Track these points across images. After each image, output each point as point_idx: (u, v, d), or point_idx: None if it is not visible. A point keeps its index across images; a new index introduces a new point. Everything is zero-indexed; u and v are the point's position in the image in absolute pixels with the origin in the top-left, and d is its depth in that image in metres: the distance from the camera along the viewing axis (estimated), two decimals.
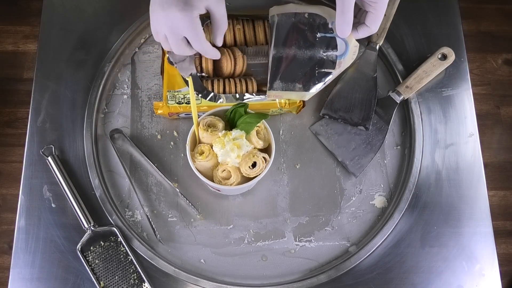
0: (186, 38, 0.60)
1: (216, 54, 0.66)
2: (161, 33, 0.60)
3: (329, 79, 0.70)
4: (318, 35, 0.69)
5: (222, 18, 0.62)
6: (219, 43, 0.65)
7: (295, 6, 0.71)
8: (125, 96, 0.78)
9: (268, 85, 0.70)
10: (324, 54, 0.69)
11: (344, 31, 0.63)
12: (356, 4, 0.63)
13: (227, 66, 0.71)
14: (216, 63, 0.73)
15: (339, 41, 0.69)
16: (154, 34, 0.61)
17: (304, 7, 0.71)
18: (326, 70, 0.69)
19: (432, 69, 0.77)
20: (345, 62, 0.69)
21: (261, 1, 0.75)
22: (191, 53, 0.62)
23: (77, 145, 0.74)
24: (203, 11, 0.59)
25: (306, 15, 0.70)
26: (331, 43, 0.69)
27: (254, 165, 0.62)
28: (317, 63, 0.69)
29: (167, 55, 0.73)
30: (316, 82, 0.69)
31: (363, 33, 0.65)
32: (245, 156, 0.62)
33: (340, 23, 0.63)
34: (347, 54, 0.69)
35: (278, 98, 0.71)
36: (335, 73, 0.70)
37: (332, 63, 0.69)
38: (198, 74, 0.72)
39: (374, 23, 0.64)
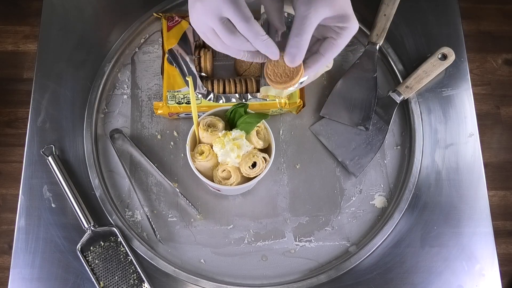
0: (230, 21, 0.49)
1: (268, 46, 0.51)
2: (203, 23, 0.51)
3: (305, 81, 0.68)
4: None
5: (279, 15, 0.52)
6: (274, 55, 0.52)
7: None
8: (125, 96, 0.78)
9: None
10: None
11: (294, 58, 0.51)
12: (313, 35, 0.52)
13: (245, 62, 0.71)
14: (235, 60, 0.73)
15: None
16: (198, 30, 0.53)
17: (285, 6, 0.71)
18: None
19: (432, 69, 0.77)
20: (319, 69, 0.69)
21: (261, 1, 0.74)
22: (242, 44, 0.51)
23: (77, 145, 0.74)
24: None
25: (285, 14, 0.70)
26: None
27: (254, 165, 0.62)
28: None
29: (167, 55, 0.73)
30: None
31: (313, 63, 0.54)
32: (245, 156, 0.62)
33: (291, 46, 0.50)
34: None
35: (264, 95, 0.70)
36: (310, 76, 0.67)
37: None
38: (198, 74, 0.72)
39: (331, 53, 0.53)
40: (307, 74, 0.55)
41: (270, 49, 0.52)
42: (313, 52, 0.55)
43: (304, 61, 0.54)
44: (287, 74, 0.54)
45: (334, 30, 0.53)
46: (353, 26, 0.52)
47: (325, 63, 0.55)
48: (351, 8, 0.53)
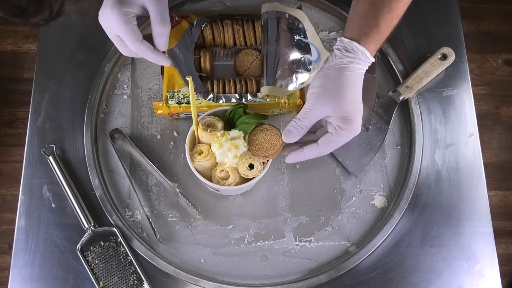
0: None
1: (158, 59, 0.61)
2: (110, 31, 0.60)
3: (305, 81, 0.70)
4: (296, 37, 0.71)
5: (158, 16, 0.58)
6: (161, 47, 0.60)
7: (278, 5, 0.72)
8: (125, 96, 0.78)
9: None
10: (300, 56, 0.71)
11: (289, 137, 0.58)
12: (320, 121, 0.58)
13: (247, 60, 0.73)
14: (238, 58, 0.75)
15: (312, 48, 0.71)
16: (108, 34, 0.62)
17: (285, 7, 0.73)
18: (302, 71, 0.70)
19: (432, 69, 0.77)
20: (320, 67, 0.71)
21: (261, 1, 0.75)
22: (130, 54, 0.61)
23: (77, 145, 0.74)
24: (137, 10, 0.58)
25: (286, 15, 0.71)
26: (305, 48, 0.71)
27: (252, 166, 0.62)
28: (295, 62, 0.70)
29: (167, 55, 0.73)
30: (294, 81, 0.70)
31: (309, 149, 0.59)
32: (243, 156, 0.62)
33: (291, 125, 0.57)
34: (319, 61, 0.71)
35: (265, 95, 0.71)
36: (311, 76, 0.71)
37: (308, 66, 0.70)
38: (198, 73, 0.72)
39: (327, 147, 0.58)
40: (300, 159, 0.60)
41: (160, 62, 0.62)
42: (312, 139, 0.60)
43: (302, 144, 0.60)
44: (267, 149, 0.61)
45: (335, 127, 0.57)
46: (353, 129, 0.57)
47: (319, 154, 0.59)
48: (358, 113, 0.57)
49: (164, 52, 0.65)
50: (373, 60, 0.58)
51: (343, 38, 0.58)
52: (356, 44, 0.56)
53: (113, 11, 0.56)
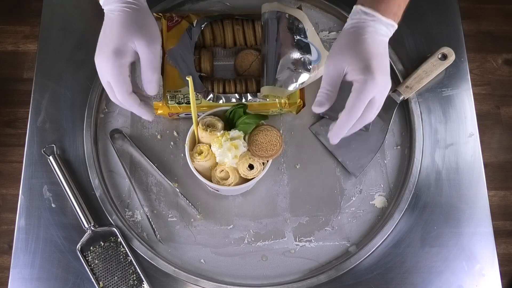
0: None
1: (141, 112, 0.61)
2: (101, 78, 0.61)
3: (306, 81, 0.70)
4: (296, 37, 0.71)
5: (149, 64, 0.59)
6: (150, 92, 0.61)
7: (278, 5, 0.73)
8: None
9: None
10: (300, 56, 0.70)
11: (319, 108, 0.59)
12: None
13: (247, 60, 0.74)
14: (238, 58, 0.75)
15: (312, 48, 0.71)
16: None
17: (285, 7, 0.73)
18: (303, 70, 0.70)
19: (432, 69, 0.77)
20: (320, 70, 0.71)
21: (261, 1, 0.75)
22: (117, 102, 0.61)
23: (77, 145, 0.74)
24: (131, 57, 0.58)
25: (286, 15, 0.71)
26: (305, 48, 0.71)
27: (251, 166, 0.62)
28: (295, 62, 0.70)
29: (167, 55, 0.73)
30: (294, 81, 0.70)
31: (340, 120, 0.58)
32: (242, 156, 0.62)
33: (318, 99, 0.58)
34: (320, 61, 0.71)
35: (265, 95, 0.71)
36: (313, 74, 0.71)
37: (308, 66, 0.70)
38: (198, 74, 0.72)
39: (353, 109, 0.56)
40: (339, 131, 0.59)
41: (143, 115, 0.62)
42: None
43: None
44: (267, 149, 0.62)
45: (356, 81, 0.55)
46: (376, 79, 0.54)
47: (350, 119, 0.57)
48: (379, 62, 0.55)
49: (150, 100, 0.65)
50: (392, 23, 0.57)
51: (359, 6, 0.57)
52: (371, 10, 0.56)
53: (108, 62, 0.57)
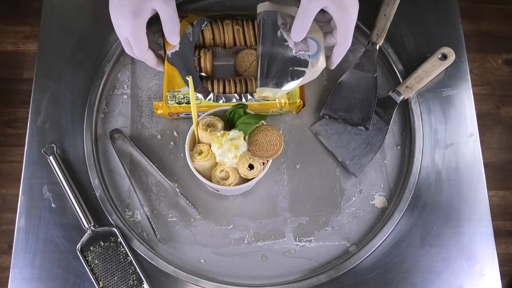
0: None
1: (156, 64, 0.70)
2: (118, 34, 0.66)
3: (303, 78, 0.69)
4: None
5: (168, 19, 0.63)
6: (173, 42, 0.67)
7: (272, 5, 0.71)
8: (125, 96, 0.78)
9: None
10: (296, 52, 0.69)
11: (297, 35, 0.65)
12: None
13: (247, 60, 0.74)
14: (238, 58, 0.75)
15: (310, 41, 0.69)
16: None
17: (279, 6, 0.72)
18: (299, 68, 0.69)
19: (432, 69, 0.77)
20: (318, 63, 0.69)
21: (261, 1, 0.74)
22: (133, 56, 0.69)
23: (77, 145, 0.74)
24: (148, 15, 0.63)
25: (282, 14, 0.71)
26: (302, 46, 0.69)
27: (251, 166, 0.62)
28: (290, 61, 0.69)
29: (167, 55, 0.73)
30: (290, 80, 0.69)
31: (336, 48, 0.67)
32: (242, 156, 0.62)
33: (296, 26, 0.64)
34: (320, 54, 0.69)
35: (259, 96, 0.70)
36: (309, 72, 0.69)
37: (305, 62, 0.69)
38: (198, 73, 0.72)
39: (339, 35, 0.65)
40: (338, 54, 0.69)
41: (158, 67, 0.72)
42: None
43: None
44: (267, 149, 0.62)
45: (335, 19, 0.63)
46: (347, 12, 0.62)
47: (343, 40, 0.66)
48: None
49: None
50: None
51: None
52: None
53: (128, 21, 0.62)
